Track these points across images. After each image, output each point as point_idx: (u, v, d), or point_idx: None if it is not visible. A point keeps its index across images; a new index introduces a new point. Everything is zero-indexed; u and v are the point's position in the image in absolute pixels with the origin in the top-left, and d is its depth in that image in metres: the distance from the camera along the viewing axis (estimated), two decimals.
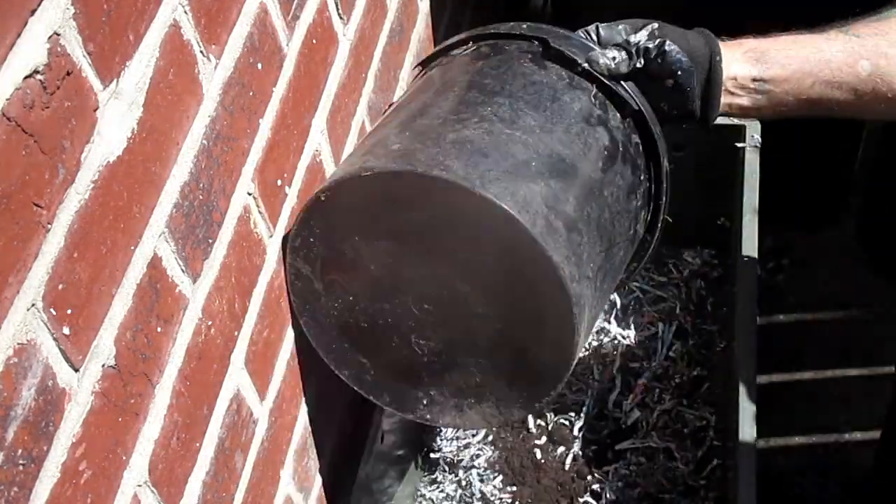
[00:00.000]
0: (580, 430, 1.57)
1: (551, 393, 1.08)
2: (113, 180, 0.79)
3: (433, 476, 1.56)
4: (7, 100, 0.66)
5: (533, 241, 0.97)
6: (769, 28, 1.15)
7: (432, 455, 1.57)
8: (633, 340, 1.66)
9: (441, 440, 1.58)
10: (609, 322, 1.68)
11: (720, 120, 1.62)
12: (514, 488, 1.53)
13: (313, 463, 1.26)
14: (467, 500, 1.54)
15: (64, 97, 0.72)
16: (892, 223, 2.14)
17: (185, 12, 0.88)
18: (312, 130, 1.18)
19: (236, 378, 1.03)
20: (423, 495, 1.55)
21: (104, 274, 0.79)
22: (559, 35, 1.14)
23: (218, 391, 0.99)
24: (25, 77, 0.68)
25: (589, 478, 1.53)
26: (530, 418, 1.58)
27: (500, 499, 1.52)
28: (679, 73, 1.09)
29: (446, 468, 1.56)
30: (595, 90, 1.11)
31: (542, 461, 1.55)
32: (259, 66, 1.03)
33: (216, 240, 0.97)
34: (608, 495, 1.51)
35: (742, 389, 1.35)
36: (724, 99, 1.12)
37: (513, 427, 1.59)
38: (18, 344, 0.69)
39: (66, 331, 0.74)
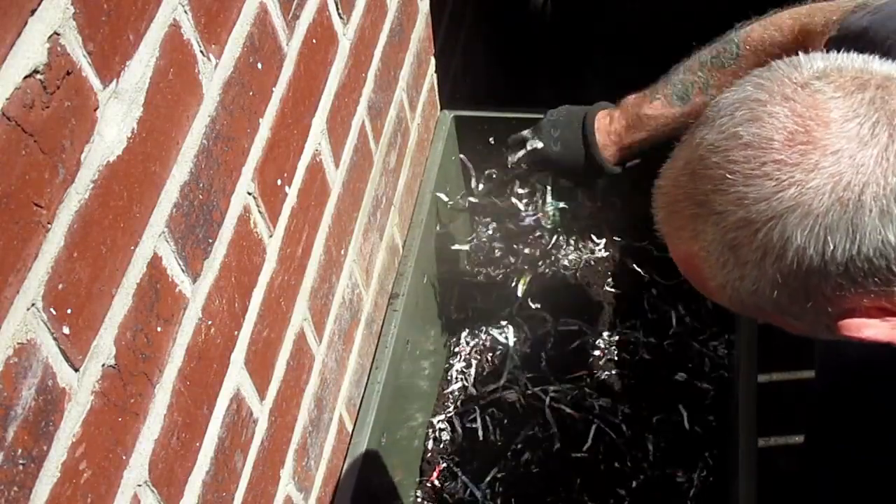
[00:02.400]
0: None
1: None
2: (113, 180, 0.79)
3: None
4: (7, 99, 0.66)
5: None
6: None
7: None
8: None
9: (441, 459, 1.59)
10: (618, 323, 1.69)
11: None
12: None
13: (313, 463, 1.26)
14: None
15: (64, 97, 0.72)
16: None
17: (185, 12, 0.88)
18: (312, 130, 1.18)
19: (236, 378, 1.03)
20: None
21: (104, 274, 0.79)
22: None
23: (218, 391, 0.99)
24: (25, 77, 0.68)
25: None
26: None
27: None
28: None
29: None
30: None
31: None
32: (259, 65, 1.03)
33: (216, 239, 0.97)
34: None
35: (742, 389, 1.35)
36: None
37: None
38: (18, 344, 0.69)
39: (66, 330, 0.74)
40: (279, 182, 1.10)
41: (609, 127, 1.39)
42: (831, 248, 0.75)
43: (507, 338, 1.70)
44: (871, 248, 0.74)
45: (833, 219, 0.74)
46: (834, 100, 0.76)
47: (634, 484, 1.51)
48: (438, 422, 1.61)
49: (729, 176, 0.77)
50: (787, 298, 0.79)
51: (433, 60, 1.68)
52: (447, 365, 1.68)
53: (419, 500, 1.55)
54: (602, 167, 1.38)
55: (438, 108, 1.73)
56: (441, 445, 1.59)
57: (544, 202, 1.50)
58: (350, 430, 1.39)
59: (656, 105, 1.36)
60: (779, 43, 1.25)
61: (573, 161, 1.41)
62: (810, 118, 0.76)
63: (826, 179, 0.74)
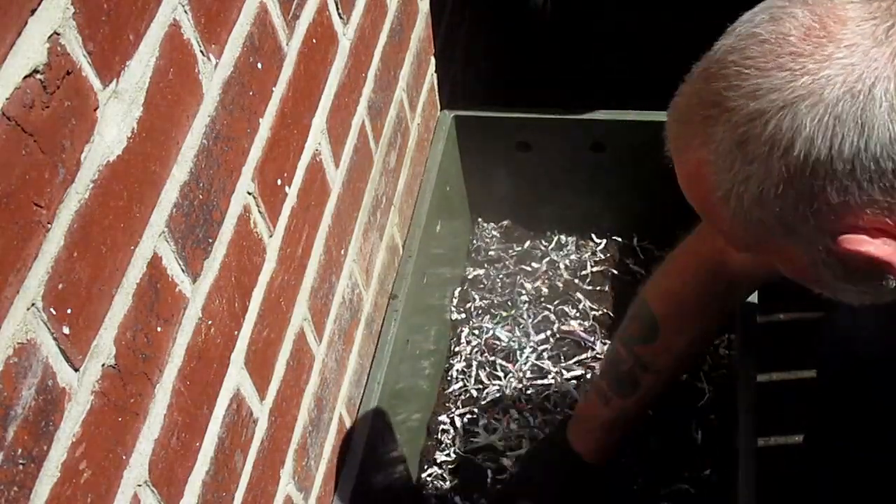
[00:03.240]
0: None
1: None
2: (113, 180, 0.79)
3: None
4: (7, 99, 0.66)
5: None
6: None
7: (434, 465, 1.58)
8: None
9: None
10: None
11: None
12: None
13: (313, 463, 1.26)
14: None
15: (64, 97, 0.72)
16: None
17: (185, 12, 0.88)
18: (312, 130, 1.18)
19: (236, 378, 1.03)
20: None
21: (104, 273, 0.79)
22: None
23: (218, 391, 0.99)
24: (25, 77, 0.68)
25: None
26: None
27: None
28: None
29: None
30: None
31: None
32: (259, 65, 1.03)
33: (216, 239, 0.97)
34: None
35: (742, 388, 1.35)
36: None
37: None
38: (18, 343, 0.69)
39: (66, 330, 0.74)
40: (279, 182, 1.10)
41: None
42: (839, 139, 0.75)
43: (508, 337, 1.70)
44: (878, 146, 0.75)
45: (843, 109, 0.75)
46: (851, 4, 0.78)
47: (635, 485, 1.51)
48: (439, 422, 1.61)
49: (745, 71, 0.78)
50: (790, 204, 0.79)
51: (433, 60, 1.68)
52: (447, 365, 1.68)
53: (419, 499, 1.55)
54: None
55: (438, 107, 1.73)
56: (441, 446, 1.59)
57: None
58: (350, 429, 1.39)
59: (610, 406, 1.31)
60: (691, 285, 1.23)
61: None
62: (827, 16, 0.77)
63: (839, 70, 0.75)
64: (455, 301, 1.76)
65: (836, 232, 0.80)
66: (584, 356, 1.66)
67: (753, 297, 1.43)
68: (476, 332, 1.72)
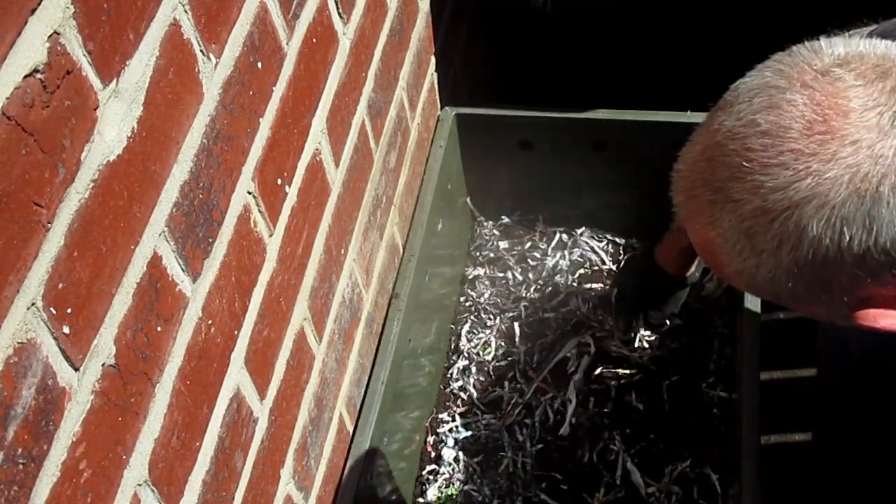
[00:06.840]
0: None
1: None
2: (113, 179, 0.79)
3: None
4: (7, 99, 0.66)
5: None
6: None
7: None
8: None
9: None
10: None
11: None
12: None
13: (313, 462, 1.26)
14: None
15: (64, 96, 0.72)
16: None
17: (185, 11, 0.88)
18: (312, 129, 1.18)
19: (236, 377, 1.03)
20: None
21: (104, 273, 0.79)
22: None
23: (218, 390, 0.99)
24: (25, 76, 0.68)
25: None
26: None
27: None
28: None
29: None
30: None
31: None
32: (259, 65, 1.03)
33: (216, 239, 0.97)
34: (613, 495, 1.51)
35: (744, 387, 1.35)
36: None
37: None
38: (18, 343, 0.69)
39: (66, 330, 0.74)
40: (279, 181, 1.10)
41: None
42: (847, 239, 0.74)
43: (509, 337, 1.70)
44: (888, 240, 0.74)
45: (850, 210, 0.73)
46: (854, 88, 0.75)
47: (635, 484, 1.52)
48: (439, 420, 1.62)
49: (746, 164, 0.76)
50: (803, 287, 0.79)
51: (433, 60, 1.68)
52: (448, 363, 1.68)
53: (420, 499, 1.55)
54: None
55: (439, 107, 1.73)
56: (442, 444, 1.59)
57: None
58: (350, 429, 1.39)
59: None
60: None
61: None
62: (829, 107, 0.75)
63: (843, 170, 0.73)
64: (456, 300, 1.76)
65: (853, 306, 0.80)
66: (586, 355, 1.66)
67: (755, 298, 1.43)
68: (477, 330, 1.72)
